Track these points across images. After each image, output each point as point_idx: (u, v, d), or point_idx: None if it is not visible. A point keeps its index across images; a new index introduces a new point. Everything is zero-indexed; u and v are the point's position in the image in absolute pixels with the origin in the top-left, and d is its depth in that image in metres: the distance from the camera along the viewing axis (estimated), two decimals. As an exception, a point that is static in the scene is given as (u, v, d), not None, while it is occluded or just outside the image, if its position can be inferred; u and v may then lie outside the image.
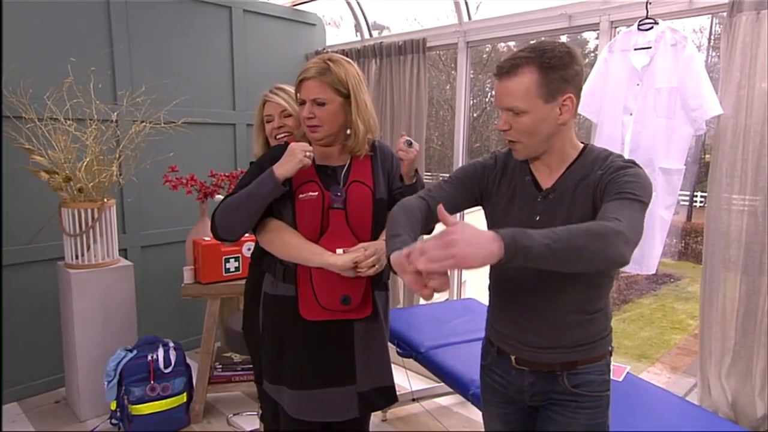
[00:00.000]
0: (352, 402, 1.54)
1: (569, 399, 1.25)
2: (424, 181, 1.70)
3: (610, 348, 1.30)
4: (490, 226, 1.30)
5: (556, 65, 1.12)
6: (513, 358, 1.30)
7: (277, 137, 1.78)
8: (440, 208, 1.02)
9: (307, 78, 1.48)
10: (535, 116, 1.14)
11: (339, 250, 1.48)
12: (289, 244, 1.48)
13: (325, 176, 1.53)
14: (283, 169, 1.43)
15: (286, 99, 1.77)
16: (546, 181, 1.24)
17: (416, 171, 1.59)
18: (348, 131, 1.54)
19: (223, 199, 1.51)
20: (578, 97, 1.18)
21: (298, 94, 1.52)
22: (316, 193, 1.49)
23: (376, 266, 1.47)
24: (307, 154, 1.43)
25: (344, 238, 1.50)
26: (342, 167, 1.55)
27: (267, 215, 1.52)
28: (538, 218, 1.21)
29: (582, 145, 1.25)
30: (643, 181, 1.12)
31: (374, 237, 1.55)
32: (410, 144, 1.55)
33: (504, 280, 1.30)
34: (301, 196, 1.48)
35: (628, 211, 1.05)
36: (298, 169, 1.43)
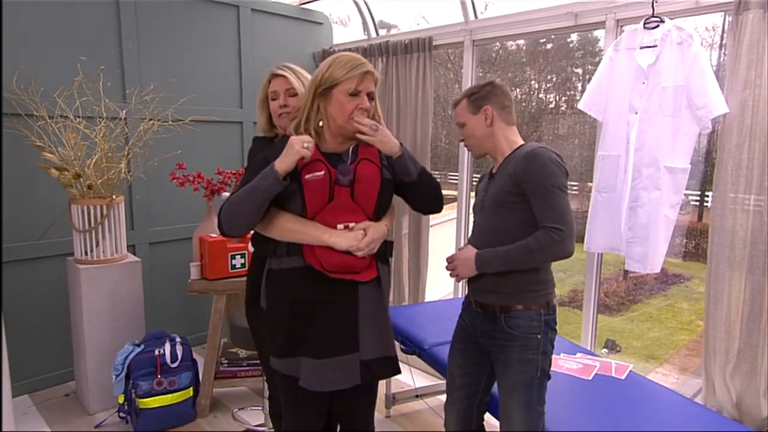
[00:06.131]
0: (354, 370, 1.54)
1: (505, 339, 1.63)
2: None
3: (545, 303, 1.65)
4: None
5: (474, 92, 1.71)
6: (473, 301, 1.73)
7: (280, 115, 1.78)
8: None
9: (370, 72, 1.53)
10: (469, 124, 1.72)
11: (340, 226, 1.51)
12: (285, 229, 1.51)
13: (331, 158, 1.54)
14: (283, 163, 1.44)
15: (292, 76, 1.76)
16: (495, 169, 1.73)
17: (401, 144, 1.61)
18: None
19: (230, 196, 1.53)
20: (500, 108, 1.69)
21: (356, 87, 1.51)
22: (323, 172, 1.50)
23: (372, 246, 1.52)
24: (305, 145, 1.44)
25: (347, 211, 1.52)
26: (347, 151, 1.58)
27: (272, 203, 1.52)
28: (484, 194, 1.73)
29: (522, 143, 1.71)
30: (549, 165, 1.54)
31: (377, 212, 1.58)
32: (376, 129, 1.55)
33: (472, 245, 1.71)
34: (307, 176, 1.49)
35: (551, 203, 1.53)
36: (297, 161, 1.44)
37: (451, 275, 1.72)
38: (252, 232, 1.62)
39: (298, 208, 1.51)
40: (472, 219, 1.83)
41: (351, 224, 1.53)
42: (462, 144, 1.80)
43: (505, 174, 1.62)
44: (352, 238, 1.49)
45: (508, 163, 1.65)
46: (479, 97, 1.70)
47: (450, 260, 1.71)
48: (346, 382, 1.54)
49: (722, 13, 2.23)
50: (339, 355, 1.53)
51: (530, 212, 1.57)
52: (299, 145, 1.43)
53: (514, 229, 1.60)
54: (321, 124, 1.56)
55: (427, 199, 1.70)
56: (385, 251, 1.62)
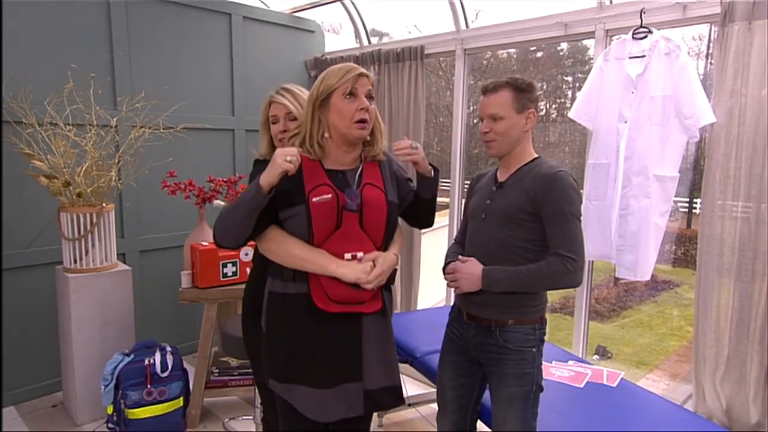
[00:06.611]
0: (357, 399, 1.51)
1: (500, 352, 1.61)
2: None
3: (539, 318, 1.64)
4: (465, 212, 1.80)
5: (524, 89, 1.59)
6: (465, 313, 1.68)
7: (281, 140, 1.76)
8: (460, 258, 1.68)
9: (364, 74, 1.50)
10: (509, 122, 1.59)
11: (347, 255, 1.47)
12: (292, 256, 1.47)
13: (337, 179, 1.51)
14: (267, 176, 1.38)
15: (291, 101, 1.76)
16: (503, 177, 1.67)
17: (432, 165, 1.64)
18: (368, 137, 1.56)
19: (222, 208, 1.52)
20: (537, 114, 1.63)
21: (352, 86, 1.48)
22: (330, 195, 1.46)
23: (381, 279, 1.49)
24: (288, 158, 1.37)
25: (355, 240, 1.49)
26: (354, 171, 1.55)
27: (275, 222, 1.50)
28: (488, 202, 1.66)
29: (536, 155, 1.65)
30: (570, 193, 1.53)
31: (386, 239, 1.55)
32: (416, 147, 1.58)
33: (469, 253, 1.68)
34: (314, 199, 1.45)
35: (568, 231, 1.52)
36: (281, 174, 1.38)
37: (449, 285, 1.69)
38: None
39: (305, 234, 1.47)
40: (463, 220, 1.80)
41: (359, 254, 1.49)
42: (485, 137, 1.63)
43: (520, 189, 1.58)
44: (360, 270, 1.45)
45: (521, 175, 1.61)
46: (528, 98, 1.59)
47: (451, 271, 1.66)
48: (348, 412, 1.51)
49: (708, 24, 2.27)
50: (341, 384, 1.50)
51: (540, 231, 1.56)
52: (282, 159, 1.37)
53: (521, 245, 1.58)
54: (325, 136, 1.52)
55: (432, 214, 1.71)
56: (389, 279, 1.57)
